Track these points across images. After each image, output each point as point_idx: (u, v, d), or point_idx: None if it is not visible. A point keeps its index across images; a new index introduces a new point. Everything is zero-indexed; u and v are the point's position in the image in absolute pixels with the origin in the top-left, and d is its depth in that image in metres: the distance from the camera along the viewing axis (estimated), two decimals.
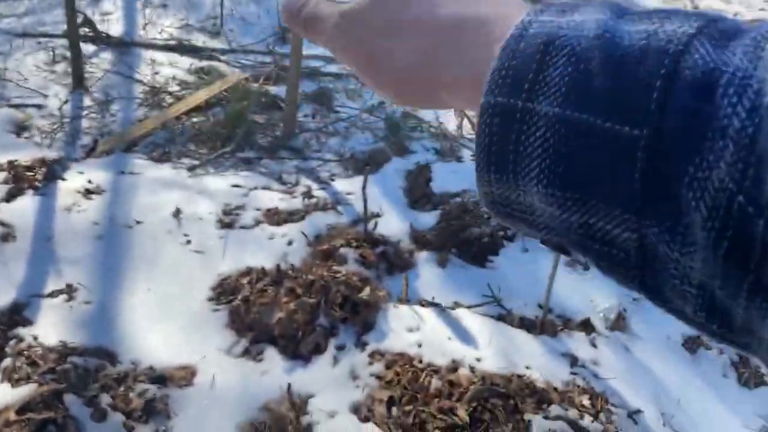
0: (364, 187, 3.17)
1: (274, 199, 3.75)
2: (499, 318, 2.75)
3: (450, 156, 4.57)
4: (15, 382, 1.98)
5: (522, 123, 0.27)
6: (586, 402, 2.14)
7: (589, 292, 3.06)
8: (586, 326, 2.76)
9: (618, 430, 2.08)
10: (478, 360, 2.33)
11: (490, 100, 0.28)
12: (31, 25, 6.35)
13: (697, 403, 2.49)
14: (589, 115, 0.25)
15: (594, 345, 2.64)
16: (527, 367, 2.33)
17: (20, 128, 4.45)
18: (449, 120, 5.22)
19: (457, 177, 4.16)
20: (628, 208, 0.25)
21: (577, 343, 2.63)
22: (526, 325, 2.68)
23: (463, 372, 2.21)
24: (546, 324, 2.67)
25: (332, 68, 6.06)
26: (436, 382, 2.13)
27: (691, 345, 2.84)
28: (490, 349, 2.43)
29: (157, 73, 5.60)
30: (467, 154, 4.69)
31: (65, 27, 5.46)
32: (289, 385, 2.16)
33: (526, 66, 0.27)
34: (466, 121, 5.17)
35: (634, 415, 2.22)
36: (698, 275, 0.24)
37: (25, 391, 1.91)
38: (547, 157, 0.27)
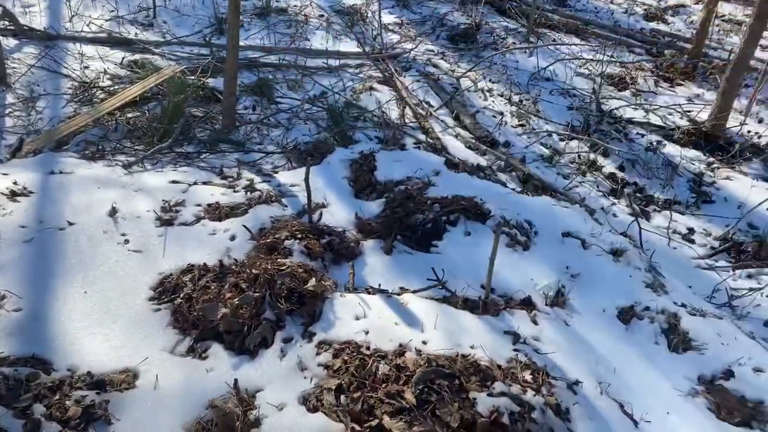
0: (306, 179, 3.15)
1: (215, 193, 3.67)
2: (444, 300, 2.80)
3: (393, 144, 4.59)
4: None
5: None
6: (528, 377, 2.21)
7: (530, 271, 3.16)
8: (527, 304, 2.85)
9: (558, 401, 2.16)
10: (425, 343, 2.37)
11: None
12: None
13: (631, 371, 2.62)
14: None
15: (535, 322, 2.74)
16: (472, 347, 2.39)
17: None
18: (391, 109, 5.24)
19: (401, 165, 4.19)
20: None
21: (519, 320, 2.72)
22: (470, 306, 2.75)
23: (410, 355, 2.24)
24: (488, 304, 2.74)
25: (272, 59, 5.96)
26: (383, 368, 2.16)
27: (624, 316, 2.99)
28: (435, 331, 2.48)
29: (86, 68, 5.35)
30: (410, 142, 4.72)
31: None
32: (236, 381, 2.14)
33: None
34: (408, 110, 5.21)
35: (573, 386, 2.32)
36: None
37: None
38: None
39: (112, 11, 6.75)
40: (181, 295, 2.65)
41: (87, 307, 2.56)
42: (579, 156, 4.96)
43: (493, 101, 5.72)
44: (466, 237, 3.35)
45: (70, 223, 3.06)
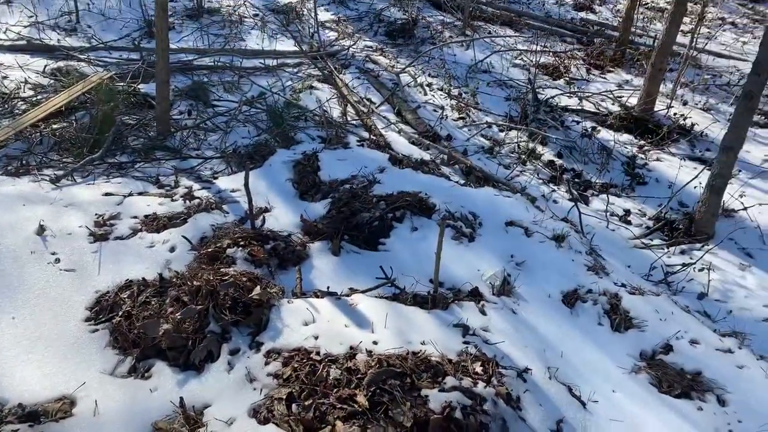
0: (246, 183, 3.07)
1: (152, 204, 3.53)
2: (394, 298, 2.79)
3: (336, 143, 4.55)
4: None
5: None
6: (478, 369, 2.24)
7: (475, 262, 3.20)
8: (475, 295, 2.88)
9: (509, 390, 2.20)
10: (375, 343, 2.36)
11: None
12: None
13: (577, 353, 2.70)
14: None
15: (483, 312, 2.77)
16: (422, 343, 2.40)
17: None
18: (333, 107, 5.19)
19: (345, 164, 4.15)
20: None
21: (468, 312, 2.74)
22: (420, 301, 2.75)
23: (361, 357, 2.22)
24: (438, 298, 2.76)
25: (206, 61, 5.79)
26: (334, 372, 2.13)
27: (569, 300, 3.07)
28: (386, 330, 2.46)
29: (5, 78, 5.03)
30: (353, 140, 4.69)
31: None
32: (182, 399, 2.06)
33: None
34: (349, 108, 5.17)
35: (523, 374, 2.36)
36: None
37: None
38: None
39: (31, 17, 6.38)
40: (120, 313, 2.53)
41: (16, 333, 2.41)
42: (518, 146, 5.07)
43: (434, 95, 5.76)
44: (413, 233, 3.36)
45: None
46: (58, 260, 2.87)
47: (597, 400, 2.42)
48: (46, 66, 5.34)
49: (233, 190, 3.83)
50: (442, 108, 5.53)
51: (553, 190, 4.51)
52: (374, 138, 4.73)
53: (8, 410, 2.00)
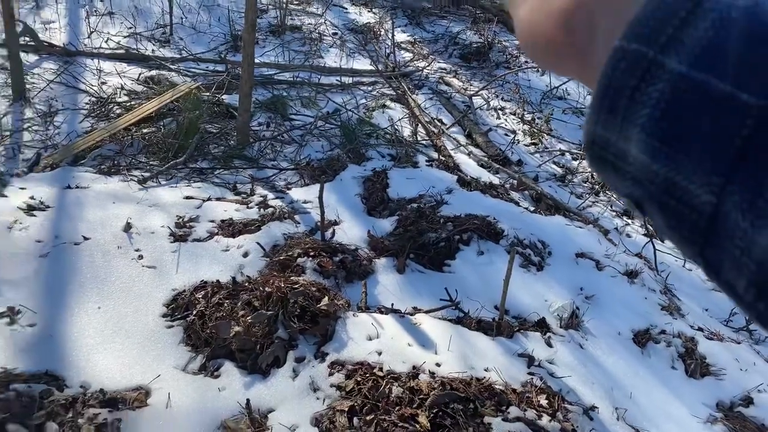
0: (320, 196, 3.16)
1: (228, 209, 3.69)
2: (458, 321, 2.77)
3: (406, 162, 4.60)
4: None
5: (646, 73, 0.29)
6: (543, 402, 2.18)
7: (543, 292, 3.13)
8: (542, 326, 2.82)
9: (574, 427, 2.13)
10: (438, 365, 2.35)
11: (624, 45, 0.29)
12: None
13: (647, 396, 2.57)
14: (712, 76, 0.27)
15: (549, 344, 2.70)
16: (486, 370, 2.37)
17: None
18: (404, 126, 5.26)
19: (413, 183, 4.20)
20: (717, 169, 0.26)
21: (533, 342, 2.69)
22: (484, 327, 2.72)
23: (424, 378, 2.22)
24: (503, 325, 2.72)
25: (286, 76, 6.02)
26: (396, 390, 2.13)
27: (640, 339, 2.94)
28: (449, 353, 2.45)
29: (104, 83, 5.43)
30: (423, 159, 4.73)
31: (3, 36, 5.23)
32: (248, 401, 2.12)
33: (668, 20, 0.28)
34: (420, 128, 5.23)
35: (589, 411, 2.28)
36: (761, 253, 0.25)
37: None
38: (658, 109, 0.28)
39: (130, 28, 6.87)
40: (194, 312, 2.64)
41: (100, 323, 2.56)
42: (592, 175, 4.94)
43: (506, 120, 5.73)
44: (479, 256, 3.34)
45: (86, 238, 3.07)
46: (141, 257, 3.04)
47: None
48: (140, 74, 5.72)
49: (305, 202, 3.94)
50: (514, 132, 5.48)
51: (628, 224, 4.36)
52: (443, 159, 4.75)
53: (90, 394, 2.12)
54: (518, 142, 5.33)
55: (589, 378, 2.54)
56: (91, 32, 6.53)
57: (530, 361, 2.51)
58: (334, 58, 6.69)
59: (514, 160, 5.01)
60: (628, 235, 4.21)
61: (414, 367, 2.31)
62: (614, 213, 4.51)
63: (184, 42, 6.77)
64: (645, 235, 4.20)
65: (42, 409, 1.93)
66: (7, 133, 4.42)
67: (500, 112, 5.87)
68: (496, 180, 4.57)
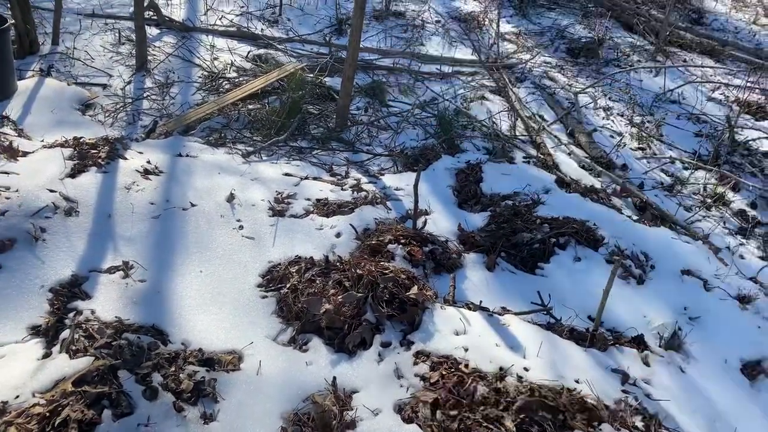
0: (415, 186, 3.14)
1: (324, 189, 3.77)
2: (549, 327, 2.67)
3: (502, 157, 4.48)
4: (73, 354, 2.05)
5: None
6: (639, 423, 2.05)
7: (643, 307, 2.94)
8: (639, 343, 2.65)
9: None
10: (526, 369, 2.28)
11: None
12: (100, 6, 6.56)
13: None
14: None
15: (647, 363, 2.54)
16: (576, 381, 2.26)
17: (86, 106, 4.61)
18: (502, 120, 5.12)
19: (508, 179, 4.08)
20: None
21: (629, 359, 2.54)
22: (576, 336, 2.60)
23: (511, 381, 2.16)
24: (597, 337, 2.58)
25: (386, 62, 6.04)
26: (482, 389, 2.09)
27: (750, 371, 2.70)
28: (538, 359, 2.37)
29: (216, 59, 5.70)
30: (519, 156, 4.59)
31: (132, 10, 5.61)
32: (334, 379, 2.16)
33: None
34: (519, 122, 5.06)
35: None
36: None
37: (82, 363, 1.97)
38: None
39: (242, 7, 7.16)
40: (288, 286, 2.73)
41: (201, 285, 2.71)
42: (705, 188, 4.57)
43: (613, 121, 5.42)
44: (575, 263, 3.19)
45: (193, 205, 3.25)
46: (241, 227, 3.18)
47: None
48: (249, 52, 5.95)
49: (397, 189, 3.95)
50: (621, 135, 5.18)
51: (742, 244, 4.00)
52: (542, 156, 4.58)
53: (190, 352, 2.25)
54: (624, 146, 5.02)
55: (689, 406, 2.37)
56: (207, 9, 6.87)
57: (625, 378, 2.38)
58: (436, 46, 6.62)
59: (619, 164, 4.74)
60: (742, 256, 3.86)
61: (501, 368, 2.25)
62: (727, 231, 4.15)
63: (292, 23, 6.96)
64: (762, 257, 3.84)
65: (149, 360, 2.07)
66: (130, 101, 4.77)
67: (607, 112, 5.56)
68: (597, 183, 4.34)
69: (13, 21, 4.84)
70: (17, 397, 1.85)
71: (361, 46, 6.35)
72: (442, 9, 7.76)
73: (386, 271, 2.68)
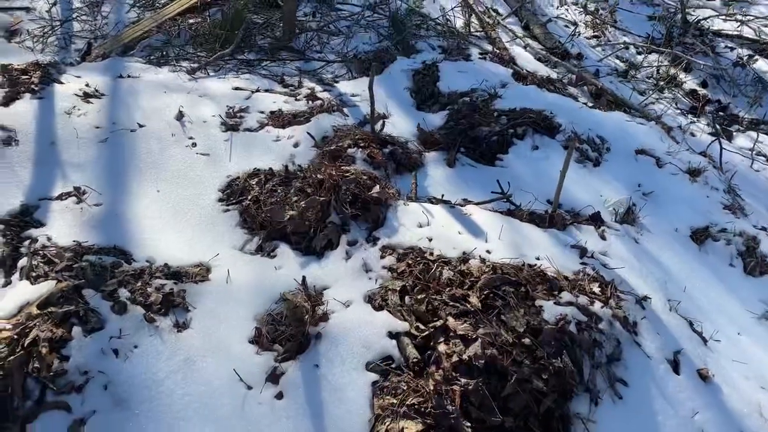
0: (370, 87, 3.07)
1: (277, 101, 3.65)
2: (509, 214, 2.74)
3: (457, 55, 4.39)
4: (34, 279, 2.02)
5: None
6: (596, 289, 2.17)
7: (599, 187, 3.03)
8: (596, 220, 2.75)
9: (626, 314, 2.13)
10: (489, 252, 2.35)
11: None
12: None
13: (702, 291, 2.53)
14: None
15: (603, 237, 2.66)
16: (537, 258, 2.36)
17: (10, 33, 4.26)
18: (456, 17, 4.96)
19: (465, 76, 4.02)
20: None
21: (587, 235, 2.64)
22: (536, 219, 2.68)
23: (474, 262, 2.23)
24: (556, 218, 2.67)
25: None
26: (447, 273, 2.16)
27: (698, 237, 2.86)
28: (500, 242, 2.44)
29: None
30: (475, 52, 4.50)
31: None
32: (304, 278, 2.19)
33: None
34: (474, 18, 4.92)
35: (642, 301, 2.26)
36: None
37: (45, 287, 1.94)
38: None
39: None
40: (249, 198, 2.70)
41: (160, 205, 2.65)
42: (658, 71, 4.61)
43: (567, 10, 5.32)
44: (533, 151, 3.23)
45: (141, 126, 3.12)
46: (195, 144, 3.08)
47: (719, 340, 2.28)
48: None
49: (353, 95, 3.85)
50: (575, 24, 5.10)
51: (693, 122, 4.10)
52: (498, 51, 4.50)
53: (156, 268, 2.24)
54: (579, 35, 4.97)
55: (643, 271, 2.51)
56: None
57: (583, 252, 2.49)
58: None
59: (574, 53, 4.70)
60: (693, 134, 3.98)
61: (464, 253, 2.32)
62: (679, 111, 4.24)
63: None
64: (711, 134, 3.95)
65: (114, 278, 2.05)
66: (58, 23, 4.42)
67: (561, 1, 5.44)
68: (554, 74, 4.32)
69: None
70: None
71: None
72: None
73: (347, 174, 2.66)
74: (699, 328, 2.30)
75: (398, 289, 2.13)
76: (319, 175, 2.66)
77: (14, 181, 2.58)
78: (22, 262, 2.13)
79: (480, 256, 2.30)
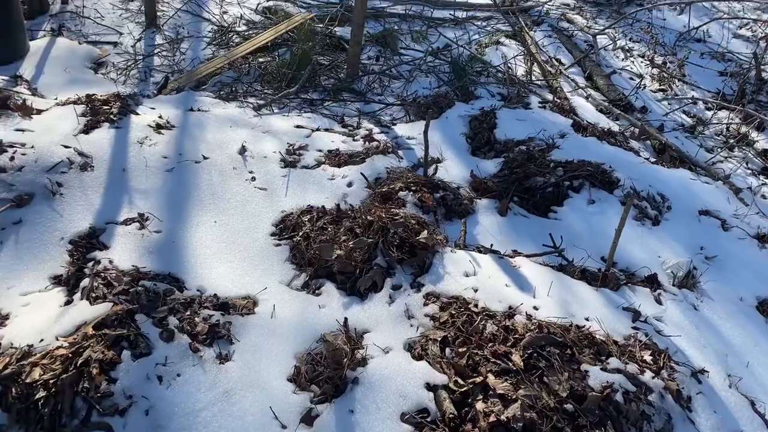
0: (425, 131, 3.11)
1: (335, 140, 3.75)
2: (560, 269, 2.67)
3: (517, 102, 4.39)
4: (93, 300, 2.13)
5: None
6: (647, 357, 2.06)
7: (657, 248, 2.91)
8: (652, 282, 2.64)
9: (680, 387, 2.00)
10: (536, 308, 2.29)
11: None
12: None
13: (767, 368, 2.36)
14: None
15: (659, 301, 2.54)
16: (586, 319, 2.27)
17: (98, 65, 4.62)
18: (518, 65, 4.98)
19: (523, 125, 4.01)
20: None
21: (641, 298, 2.53)
22: (588, 277, 2.60)
23: (519, 319, 2.18)
24: (609, 277, 2.58)
25: (398, 8, 5.88)
26: (491, 327, 2.12)
27: (766, 308, 2.67)
28: (548, 298, 2.38)
29: (225, 13, 5.63)
30: (535, 101, 4.49)
31: None
32: (346, 319, 2.21)
33: None
34: (535, 67, 4.93)
35: (698, 374, 2.13)
36: None
37: (102, 309, 2.05)
38: None
39: None
40: (300, 234, 2.76)
41: (216, 235, 2.76)
42: (728, 128, 4.43)
43: (633, 62, 5.24)
44: (589, 205, 3.15)
45: (205, 158, 3.28)
46: (254, 179, 3.20)
47: None
48: (258, 4, 5.85)
49: (409, 138, 3.91)
50: (641, 76, 5.01)
51: (765, 183, 3.89)
52: (558, 101, 4.47)
53: (206, 297, 2.31)
54: (644, 87, 4.87)
55: (701, 341, 2.36)
56: None
57: (636, 315, 2.38)
58: None
59: (638, 106, 4.60)
60: (764, 197, 3.77)
61: (510, 308, 2.27)
62: (749, 171, 4.04)
63: None
64: None
65: (165, 305, 2.13)
66: (140, 58, 4.75)
67: (627, 53, 5.37)
68: (615, 127, 4.24)
69: None
70: (41, 340, 1.93)
71: None
72: None
73: (396, 217, 2.68)
74: (762, 408, 2.14)
75: (439, 339, 2.10)
76: (368, 217, 2.69)
77: (86, 205, 2.75)
78: (84, 282, 2.26)
79: (526, 312, 2.24)
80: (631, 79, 4.99)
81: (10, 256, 2.43)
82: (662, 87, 4.90)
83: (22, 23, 4.51)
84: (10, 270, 2.37)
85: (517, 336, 2.06)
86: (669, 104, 4.68)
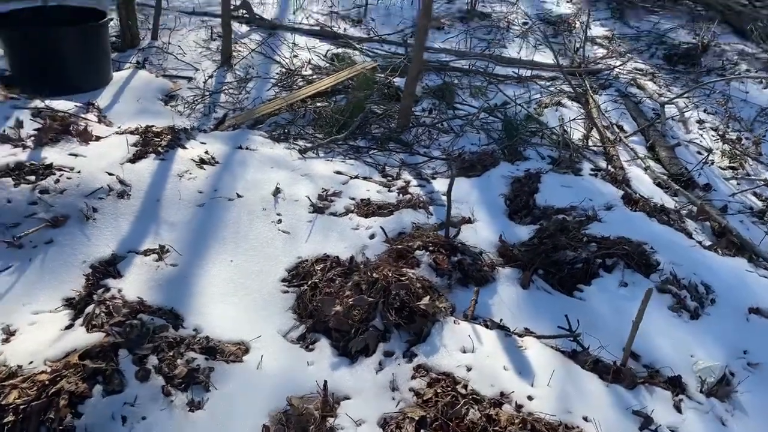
0: (449, 189, 3.04)
1: (371, 189, 3.75)
2: (572, 356, 2.47)
3: (567, 167, 4.22)
4: (90, 328, 2.20)
5: None
6: None
7: (692, 345, 2.63)
8: (675, 385, 2.37)
9: None
10: (530, 398, 2.12)
11: None
12: (199, 4, 7.02)
13: None
14: None
15: (678, 409, 2.27)
16: (585, 419, 2.07)
17: (169, 97, 4.96)
18: (576, 128, 4.81)
19: (568, 192, 3.82)
20: None
21: (658, 402, 2.27)
22: (600, 369, 2.38)
23: (507, 409, 2.02)
24: (624, 372, 2.35)
25: (461, 63, 5.90)
26: (473, 414, 1.97)
27: None
28: (548, 388, 2.19)
29: (295, 56, 5.89)
30: (587, 167, 4.29)
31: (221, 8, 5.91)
32: (326, 382, 2.14)
33: None
34: (594, 132, 4.74)
35: None
36: None
37: (94, 338, 2.11)
38: None
39: (330, 6, 7.34)
40: (309, 283, 2.75)
41: (228, 275, 2.80)
42: None
43: (702, 135, 4.91)
44: (620, 288, 2.92)
45: (239, 196, 3.38)
46: (280, 221, 3.25)
47: None
48: (328, 51, 6.09)
49: (444, 193, 3.84)
50: (709, 151, 4.68)
51: None
52: (612, 170, 4.25)
53: (197, 339, 2.33)
54: (712, 163, 4.53)
55: None
56: (296, 9, 7.12)
57: (646, 422, 2.13)
58: (517, 49, 6.37)
59: (701, 183, 4.28)
60: None
61: (502, 394, 2.11)
62: None
63: (375, 23, 7.02)
64: None
65: (151, 342, 2.17)
66: (208, 94, 5.05)
67: (698, 125, 5.05)
68: (671, 203, 3.95)
69: (111, 17, 5.29)
70: (31, 363, 2.02)
71: (438, 46, 6.28)
72: (531, 11, 7.46)
73: (402, 278, 2.61)
74: None
75: (417, 419, 1.98)
76: (374, 274, 2.64)
77: (114, 231, 2.90)
78: (89, 309, 2.35)
79: (517, 401, 2.07)
80: (699, 153, 4.67)
81: (35, 274, 2.59)
82: (732, 164, 4.55)
83: (107, 54, 4.95)
84: (31, 287, 2.52)
85: (497, 429, 1.90)
86: (738, 184, 4.32)
